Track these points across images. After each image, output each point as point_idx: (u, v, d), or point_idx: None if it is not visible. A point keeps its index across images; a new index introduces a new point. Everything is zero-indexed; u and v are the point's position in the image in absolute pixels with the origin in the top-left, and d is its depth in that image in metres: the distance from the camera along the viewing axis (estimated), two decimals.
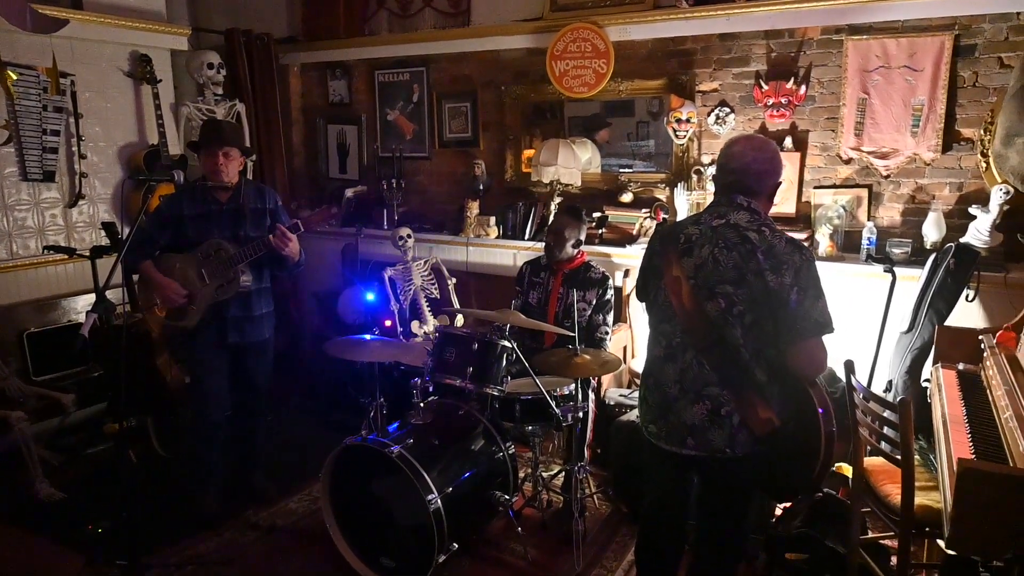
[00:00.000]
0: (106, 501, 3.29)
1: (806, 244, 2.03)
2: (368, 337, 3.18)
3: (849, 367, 2.55)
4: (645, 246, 4.25)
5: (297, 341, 5.22)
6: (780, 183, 2.14)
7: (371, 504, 2.82)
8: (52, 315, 4.13)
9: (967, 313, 3.26)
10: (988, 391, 2.56)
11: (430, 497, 2.58)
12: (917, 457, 2.57)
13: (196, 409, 3.30)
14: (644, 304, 2.33)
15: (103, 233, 3.68)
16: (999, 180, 3.24)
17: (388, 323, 4.22)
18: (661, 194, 4.22)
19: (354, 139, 5.39)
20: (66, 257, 3.85)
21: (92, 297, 4.05)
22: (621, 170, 4.40)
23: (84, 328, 2.45)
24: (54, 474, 3.57)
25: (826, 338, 2.03)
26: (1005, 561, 1.83)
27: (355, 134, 5.37)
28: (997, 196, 3.21)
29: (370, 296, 4.48)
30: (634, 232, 4.21)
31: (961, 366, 2.86)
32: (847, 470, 2.85)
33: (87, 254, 3.49)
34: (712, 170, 3.91)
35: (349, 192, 5.24)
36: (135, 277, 3.49)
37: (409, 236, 4.32)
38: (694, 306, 2.02)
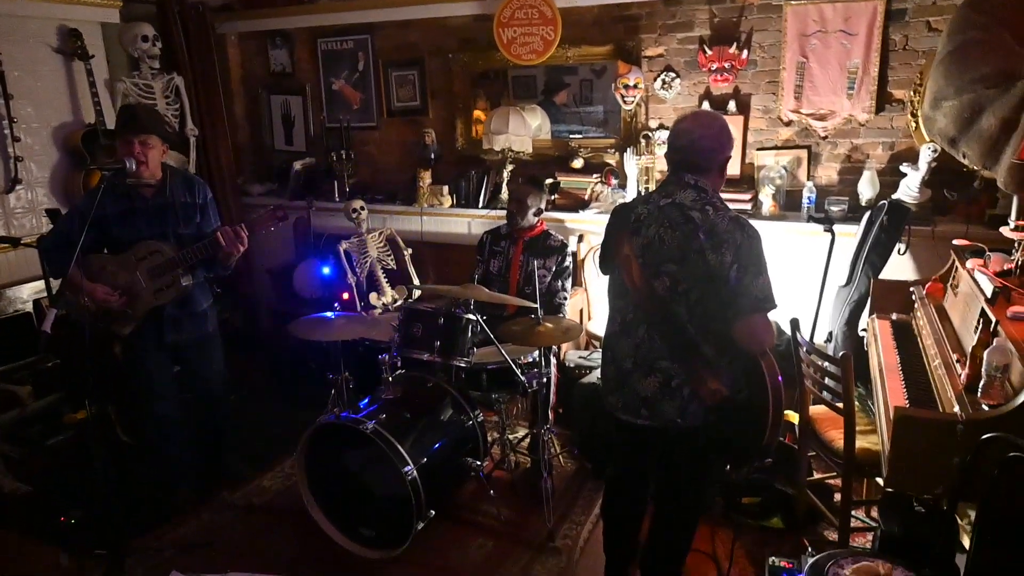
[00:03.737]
0: (74, 491, 3.26)
1: (750, 223, 2.06)
2: (331, 315, 3.21)
3: (795, 324, 2.73)
4: (597, 211, 4.28)
5: (254, 319, 5.18)
6: (729, 157, 2.18)
7: (347, 478, 2.89)
8: None
9: (900, 266, 3.49)
10: (919, 339, 2.78)
11: (406, 468, 2.67)
12: (856, 403, 2.78)
13: (142, 405, 3.21)
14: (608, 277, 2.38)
15: (46, 219, 3.56)
16: (928, 139, 3.43)
17: (346, 296, 4.22)
18: (611, 159, 4.31)
19: (299, 110, 5.28)
20: (8, 246, 3.72)
21: (38, 284, 3.98)
22: (571, 136, 4.47)
23: (46, 323, 2.42)
24: (17, 467, 3.52)
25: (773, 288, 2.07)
26: (934, 495, 2.05)
27: (300, 105, 5.26)
28: (926, 154, 3.41)
29: (326, 270, 4.47)
30: (586, 197, 4.31)
31: (895, 316, 3.08)
32: (794, 417, 3.06)
33: (33, 243, 3.40)
34: (660, 134, 4.01)
35: (297, 165, 5.18)
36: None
37: (362, 208, 4.30)
38: (643, 283, 2.08)
